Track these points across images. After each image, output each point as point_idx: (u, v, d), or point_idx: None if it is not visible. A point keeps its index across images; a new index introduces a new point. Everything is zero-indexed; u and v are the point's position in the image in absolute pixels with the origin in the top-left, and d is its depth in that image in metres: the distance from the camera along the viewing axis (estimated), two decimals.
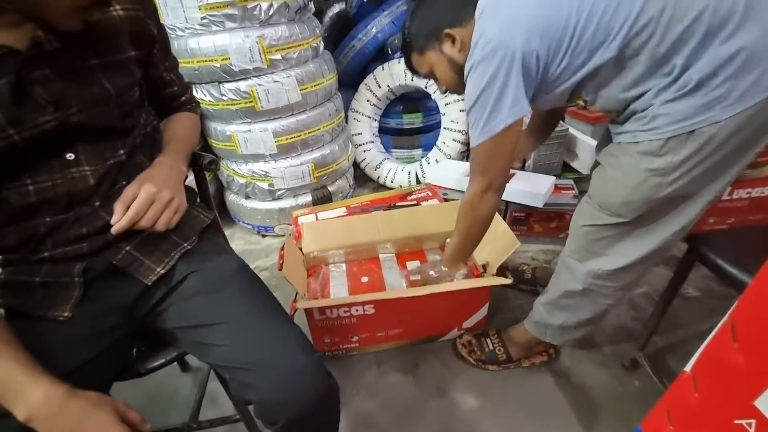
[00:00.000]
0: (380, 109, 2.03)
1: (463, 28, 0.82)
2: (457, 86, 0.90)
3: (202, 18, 1.33)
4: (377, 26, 1.90)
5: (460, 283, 1.06)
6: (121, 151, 0.63)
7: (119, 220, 0.57)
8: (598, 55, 0.71)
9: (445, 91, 0.96)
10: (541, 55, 0.72)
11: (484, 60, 0.73)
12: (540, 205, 1.45)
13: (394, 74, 1.89)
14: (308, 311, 1.07)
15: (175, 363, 0.91)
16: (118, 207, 0.58)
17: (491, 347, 1.12)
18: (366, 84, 1.97)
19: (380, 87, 1.94)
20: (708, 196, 0.75)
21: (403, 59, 0.99)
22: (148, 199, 0.59)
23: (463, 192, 0.93)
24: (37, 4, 0.48)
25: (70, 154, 0.58)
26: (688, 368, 0.42)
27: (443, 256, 1.10)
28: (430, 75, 0.93)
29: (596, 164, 0.87)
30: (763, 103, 0.63)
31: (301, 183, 1.66)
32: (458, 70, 0.84)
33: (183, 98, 0.81)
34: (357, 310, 1.08)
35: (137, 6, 0.64)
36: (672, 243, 0.81)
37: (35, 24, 0.51)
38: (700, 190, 0.74)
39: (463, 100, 1.47)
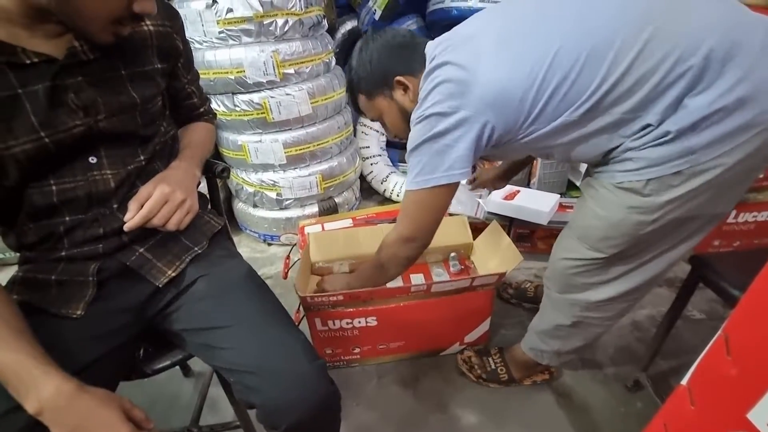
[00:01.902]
0: None
1: (415, 77, 0.79)
2: (406, 134, 0.86)
3: (220, 32, 1.38)
4: None
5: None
6: (141, 157, 0.66)
7: (132, 217, 0.59)
8: (561, 121, 0.68)
9: (395, 137, 0.92)
10: (496, 127, 0.70)
11: (439, 115, 0.70)
12: (544, 222, 1.46)
13: None
14: (311, 322, 1.08)
15: (177, 368, 0.92)
16: (132, 205, 0.60)
17: (493, 366, 1.11)
18: None
19: None
20: (699, 233, 0.71)
21: None
22: (161, 198, 0.61)
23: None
24: (78, 15, 0.51)
25: (93, 158, 0.61)
26: (684, 381, 0.42)
27: (355, 273, 1.05)
28: (378, 120, 0.90)
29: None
30: (747, 139, 0.61)
31: (308, 193, 1.69)
32: (408, 118, 0.81)
33: (201, 109, 0.84)
34: (359, 322, 1.08)
35: (166, 22, 0.68)
36: (664, 274, 0.78)
37: (73, 35, 0.55)
38: (687, 227, 0.70)
39: None
